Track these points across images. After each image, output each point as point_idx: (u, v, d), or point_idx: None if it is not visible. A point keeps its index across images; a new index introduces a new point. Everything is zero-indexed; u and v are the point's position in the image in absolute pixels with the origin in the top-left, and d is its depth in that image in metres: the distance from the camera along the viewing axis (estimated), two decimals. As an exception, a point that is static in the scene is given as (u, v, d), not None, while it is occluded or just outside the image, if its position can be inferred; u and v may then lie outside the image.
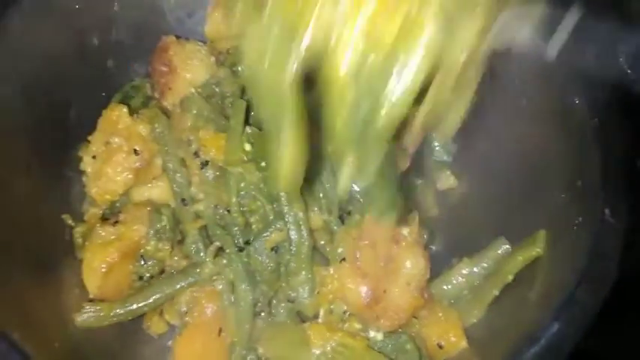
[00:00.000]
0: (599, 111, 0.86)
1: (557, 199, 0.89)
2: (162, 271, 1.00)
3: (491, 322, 0.92)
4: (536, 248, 0.90)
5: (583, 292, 0.70)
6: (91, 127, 1.06)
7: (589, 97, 0.88)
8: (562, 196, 0.88)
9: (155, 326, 1.00)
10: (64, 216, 1.04)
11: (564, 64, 0.95)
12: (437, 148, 1.14)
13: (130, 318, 0.94)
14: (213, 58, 1.13)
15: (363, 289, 0.90)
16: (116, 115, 1.02)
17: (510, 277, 0.93)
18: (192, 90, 1.07)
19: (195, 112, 1.03)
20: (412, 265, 0.91)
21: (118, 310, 0.94)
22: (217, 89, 1.10)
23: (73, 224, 1.03)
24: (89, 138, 1.04)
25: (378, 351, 0.87)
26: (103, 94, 1.15)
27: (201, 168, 0.99)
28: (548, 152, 0.95)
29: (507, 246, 0.96)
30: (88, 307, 0.94)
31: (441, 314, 0.94)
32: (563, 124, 0.93)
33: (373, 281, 0.90)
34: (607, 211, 0.76)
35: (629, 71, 0.94)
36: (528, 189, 0.98)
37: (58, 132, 1.07)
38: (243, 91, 1.12)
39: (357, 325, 0.92)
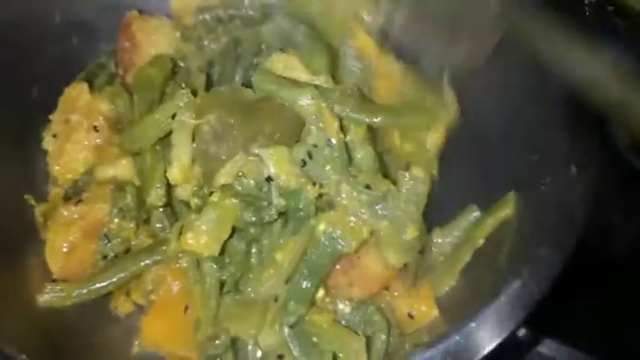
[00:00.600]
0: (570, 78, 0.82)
1: (528, 160, 0.86)
2: (127, 250, 0.97)
3: (463, 289, 0.90)
4: (505, 210, 0.88)
5: (546, 249, 0.67)
6: (55, 106, 1.04)
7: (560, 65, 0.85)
8: (532, 158, 0.85)
9: (122, 306, 0.98)
10: (26, 196, 1.02)
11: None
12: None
13: (93, 297, 0.92)
14: (178, 33, 1.10)
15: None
16: (76, 92, 1.00)
17: (481, 241, 0.91)
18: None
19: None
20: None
21: (80, 290, 0.92)
22: (182, 64, 1.07)
23: (35, 204, 1.01)
24: (50, 117, 1.02)
25: (345, 325, 0.84)
26: (69, 72, 1.13)
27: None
28: (517, 114, 0.92)
29: (478, 213, 0.93)
30: (50, 287, 0.92)
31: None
32: (533, 85, 0.90)
33: None
34: (574, 169, 0.73)
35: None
36: (499, 152, 0.95)
37: (21, 111, 1.05)
38: (210, 64, 1.11)
39: (326, 299, 0.90)
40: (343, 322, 0.85)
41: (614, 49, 0.88)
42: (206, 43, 1.10)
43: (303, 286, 0.84)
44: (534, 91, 0.91)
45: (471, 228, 0.93)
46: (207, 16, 1.15)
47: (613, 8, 1.06)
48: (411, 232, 0.83)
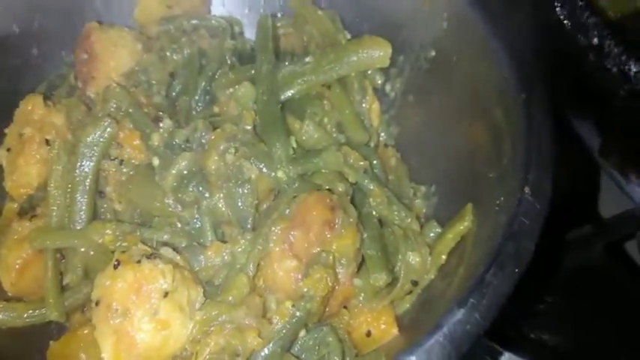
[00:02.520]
0: (526, 87, 0.81)
1: (486, 178, 0.84)
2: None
3: (423, 306, 0.88)
4: (464, 222, 0.87)
5: (493, 275, 0.65)
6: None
7: (518, 73, 0.84)
8: (489, 176, 0.84)
9: (77, 322, 0.95)
10: (-20, 211, 1.00)
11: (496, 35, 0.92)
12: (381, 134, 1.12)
13: (44, 321, 0.90)
14: (140, 45, 1.08)
15: (293, 272, 0.85)
16: (31, 106, 0.98)
17: (444, 258, 0.90)
18: (113, 81, 1.02)
19: (114, 105, 0.98)
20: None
21: (33, 312, 0.90)
22: (144, 77, 1.05)
23: (-12, 219, 0.99)
24: (5, 130, 1.00)
25: (296, 355, 0.82)
26: (28, 84, 1.11)
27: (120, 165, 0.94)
28: (478, 131, 0.91)
29: (438, 229, 0.92)
30: (1, 306, 0.90)
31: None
32: (492, 101, 0.89)
33: (304, 265, 0.86)
34: (527, 190, 0.72)
35: (565, 21, 0.90)
36: (461, 170, 0.94)
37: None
38: (172, 76, 1.09)
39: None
40: (297, 345, 0.83)
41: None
42: (169, 54, 1.08)
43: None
44: (493, 102, 0.91)
45: (433, 244, 0.92)
46: (171, 27, 1.13)
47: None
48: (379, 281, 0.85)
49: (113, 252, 0.88)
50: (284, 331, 0.80)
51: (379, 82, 1.09)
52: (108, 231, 0.87)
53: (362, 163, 0.96)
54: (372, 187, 0.92)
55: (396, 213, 0.92)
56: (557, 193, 0.77)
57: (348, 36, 1.11)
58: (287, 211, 0.88)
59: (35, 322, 0.91)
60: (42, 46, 1.13)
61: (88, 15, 1.16)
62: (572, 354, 1.01)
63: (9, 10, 1.07)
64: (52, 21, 1.13)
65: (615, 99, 0.80)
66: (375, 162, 1.01)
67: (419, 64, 1.10)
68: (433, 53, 1.08)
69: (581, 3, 0.83)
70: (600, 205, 1.22)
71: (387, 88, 1.16)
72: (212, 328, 0.79)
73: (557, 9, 0.85)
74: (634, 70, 0.77)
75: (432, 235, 0.93)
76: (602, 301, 1.07)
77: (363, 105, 1.06)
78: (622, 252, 1.27)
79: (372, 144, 1.05)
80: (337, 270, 0.85)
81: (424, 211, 1.02)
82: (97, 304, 0.79)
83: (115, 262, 0.79)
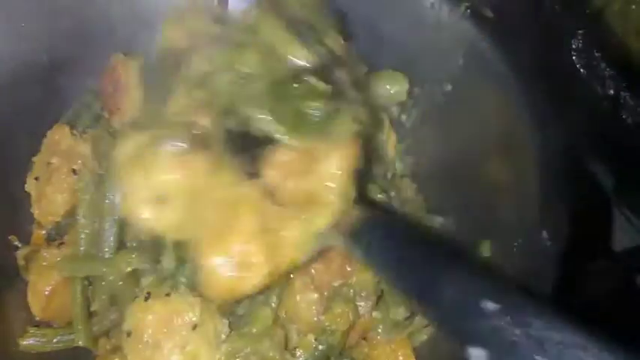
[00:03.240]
0: (541, 126, 0.84)
1: (503, 217, 0.87)
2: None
3: (441, 338, 0.90)
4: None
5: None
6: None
7: (532, 111, 0.87)
8: (507, 214, 0.86)
9: (102, 347, 0.98)
10: (10, 237, 1.02)
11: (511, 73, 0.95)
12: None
13: (74, 345, 0.93)
14: (165, 74, 1.11)
15: (315, 304, 0.88)
16: (58, 136, 1.01)
17: None
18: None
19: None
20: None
21: (62, 337, 0.93)
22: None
23: (19, 245, 1.02)
24: (33, 159, 1.03)
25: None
26: (54, 112, 1.13)
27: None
28: (494, 167, 0.93)
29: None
30: (32, 331, 0.93)
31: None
32: (507, 139, 0.92)
33: (325, 298, 0.89)
34: (545, 233, 0.74)
35: (582, 70, 0.93)
36: (477, 205, 0.96)
37: (7, 153, 1.06)
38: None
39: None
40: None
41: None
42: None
43: None
44: (509, 144, 0.94)
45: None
46: (192, 58, 1.16)
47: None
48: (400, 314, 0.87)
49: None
50: (307, 363, 0.83)
51: (395, 114, 1.12)
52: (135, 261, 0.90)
53: (380, 195, 0.99)
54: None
55: None
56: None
57: (365, 69, 1.14)
58: (309, 244, 0.91)
59: (63, 347, 0.94)
60: (67, 76, 1.15)
61: (115, 43, 1.19)
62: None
63: (38, 39, 1.10)
64: (79, 49, 1.15)
65: (630, 148, 0.83)
66: (392, 194, 1.04)
67: (435, 97, 1.14)
68: (449, 87, 1.11)
69: (597, 54, 0.86)
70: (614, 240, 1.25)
71: (403, 117, 1.19)
72: (238, 360, 0.82)
73: (574, 57, 0.88)
74: None
75: (448, 267, 0.96)
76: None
77: (381, 136, 1.09)
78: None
79: (388, 175, 1.08)
80: (357, 303, 0.89)
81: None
82: (128, 334, 0.82)
83: (146, 295, 0.83)
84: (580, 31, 0.90)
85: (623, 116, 0.82)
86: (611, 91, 0.83)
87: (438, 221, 1.06)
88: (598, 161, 0.92)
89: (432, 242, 0.72)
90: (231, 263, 0.72)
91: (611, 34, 0.89)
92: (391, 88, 1.06)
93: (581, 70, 0.88)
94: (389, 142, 1.10)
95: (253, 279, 0.73)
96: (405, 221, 0.97)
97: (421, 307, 0.63)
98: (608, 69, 0.84)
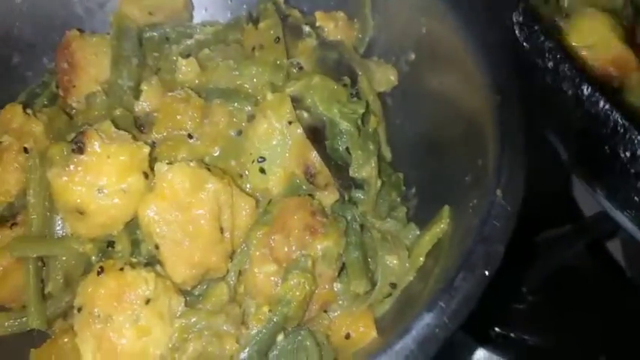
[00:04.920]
0: (499, 92, 0.83)
1: (462, 181, 0.86)
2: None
3: (402, 308, 0.89)
4: (440, 224, 0.88)
5: (462, 278, 0.67)
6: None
7: (493, 78, 0.86)
8: (465, 178, 0.85)
9: (59, 328, 0.95)
10: (-39, 220, 1.00)
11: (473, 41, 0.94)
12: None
13: (26, 329, 0.90)
14: (121, 51, 1.09)
15: (273, 276, 0.86)
16: (10, 114, 0.98)
17: (421, 260, 0.91)
18: (97, 87, 1.02)
19: (99, 112, 0.99)
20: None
21: (14, 321, 0.90)
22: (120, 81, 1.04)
23: (-31, 228, 0.99)
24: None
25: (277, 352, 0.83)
26: (10, 92, 1.11)
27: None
28: (455, 133, 0.92)
29: (416, 232, 0.93)
30: (-15, 316, 0.91)
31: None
32: (469, 105, 0.91)
33: (284, 269, 0.87)
34: (499, 192, 0.73)
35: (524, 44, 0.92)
36: (439, 173, 0.95)
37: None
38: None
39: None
40: (276, 349, 0.84)
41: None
42: (151, 62, 1.09)
43: None
44: (469, 104, 0.93)
45: (411, 247, 0.93)
46: (155, 34, 1.13)
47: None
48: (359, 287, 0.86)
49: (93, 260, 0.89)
50: (260, 335, 0.81)
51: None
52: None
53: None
54: (361, 197, 0.93)
55: (381, 221, 0.93)
56: (536, 194, 0.79)
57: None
58: (267, 216, 0.89)
59: (17, 331, 0.91)
60: (23, 54, 1.13)
61: (70, 22, 1.17)
62: (551, 353, 1.03)
63: (-9, 18, 1.08)
64: (33, 28, 1.14)
65: (574, 119, 0.82)
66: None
67: (399, 66, 1.12)
68: (413, 56, 1.10)
69: (536, 27, 0.84)
70: (581, 204, 1.24)
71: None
72: (191, 336, 0.80)
73: (516, 31, 0.87)
74: (586, 93, 0.79)
75: (410, 237, 0.94)
76: (583, 300, 1.09)
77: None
78: (603, 251, 1.29)
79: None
80: (319, 272, 0.87)
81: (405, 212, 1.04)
82: (79, 310, 0.80)
83: (99, 269, 0.80)
84: (521, 4, 0.89)
85: (564, 88, 0.81)
86: (551, 64, 0.82)
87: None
88: (552, 132, 0.91)
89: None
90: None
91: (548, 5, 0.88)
92: (383, 76, 1.05)
93: (524, 44, 0.87)
94: (380, 129, 1.07)
95: None
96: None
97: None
98: (547, 42, 0.83)
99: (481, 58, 0.92)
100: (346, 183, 0.93)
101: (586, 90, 0.79)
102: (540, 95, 0.89)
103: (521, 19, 0.88)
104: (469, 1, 1.00)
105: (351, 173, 0.91)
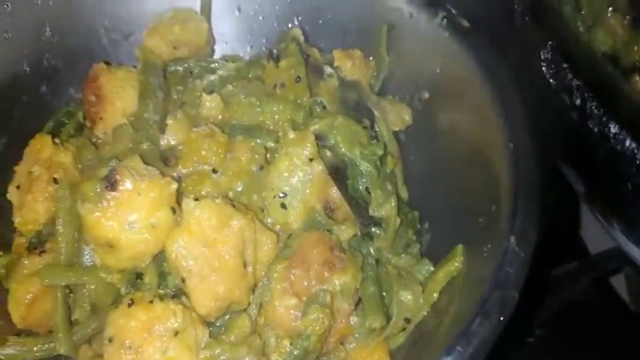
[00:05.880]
0: (514, 135, 0.87)
1: (476, 222, 0.90)
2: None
3: (415, 342, 0.93)
4: (455, 262, 0.92)
5: (479, 324, 0.71)
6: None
7: (506, 121, 0.90)
8: (479, 220, 0.89)
9: (83, 355, 0.99)
10: (-9, 246, 1.03)
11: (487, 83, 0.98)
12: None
13: (53, 355, 0.94)
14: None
15: (293, 309, 0.89)
16: (40, 144, 1.02)
17: (435, 296, 0.95)
18: (124, 120, 1.06)
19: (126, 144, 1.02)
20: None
21: (42, 345, 0.93)
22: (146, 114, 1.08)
23: (0, 254, 1.03)
24: (15, 168, 1.04)
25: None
26: (37, 121, 1.14)
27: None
28: (469, 174, 0.96)
29: (430, 267, 0.97)
30: (12, 340, 0.94)
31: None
32: (482, 147, 0.95)
33: (304, 303, 0.91)
34: (512, 239, 0.77)
35: (551, 80, 0.96)
36: (454, 211, 0.99)
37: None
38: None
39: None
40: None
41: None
42: (175, 96, 1.13)
43: None
44: (484, 149, 0.97)
45: (425, 282, 0.97)
46: (179, 68, 1.16)
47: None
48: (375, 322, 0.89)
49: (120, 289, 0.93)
50: (282, 368, 0.84)
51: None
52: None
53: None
54: (379, 232, 0.97)
55: (396, 257, 0.97)
56: (544, 230, 0.82)
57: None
58: (287, 250, 0.93)
59: (45, 356, 0.95)
60: (51, 84, 1.18)
61: (96, 52, 1.21)
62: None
63: (21, 49, 1.12)
64: (61, 59, 1.18)
65: (597, 156, 0.86)
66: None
67: (413, 104, 1.16)
68: (427, 95, 1.14)
69: (565, 65, 0.88)
70: (587, 241, 1.29)
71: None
72: (215, 367, 0.83)
73: (543, 68, 0.91)
74: (613, 131, 0.83)
75: (423, 272, 0.98)
76: (590, 334, 1.12)
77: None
78: (608, 286, 1.33)
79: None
80: (337, 307, 0.90)
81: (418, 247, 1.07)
82: (110, 340, 0.83)
83: (129, 302, 0.84)
84: (549, 43, 0.93)
85: (590, 125, 0.85)
86: (578, 101, 0.86)
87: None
88: (569, 167, 0.95)
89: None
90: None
91: (578, 44, 0.92)
92: (398, 116, 1.09)
93: (551, 81, 0.91)
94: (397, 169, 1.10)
95: None
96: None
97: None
98: (575, 79, 0.87)
99: (495, 98, 0.96)
100: (367, 221, 0.97)
101: (613, 128, 0.83)
102: (561, 130, 0.92)
103: (549, 56, 0.92)
104: (484, 41, 1.05)
105: (370, 212, 0.96)
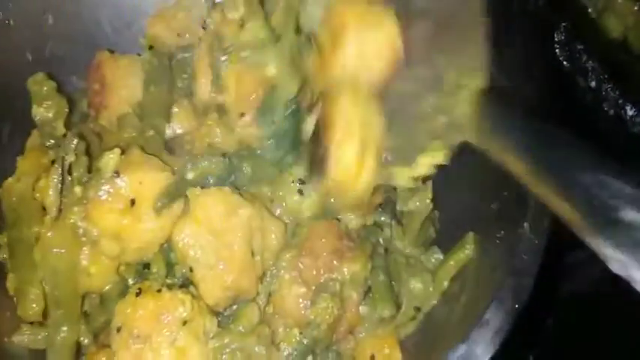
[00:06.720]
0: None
1: (487, 209, 0.88)
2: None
3: (426, 331, 0.92)
4: (465, 250, 0.91)
5: (493, 312, 0.70)
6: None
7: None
8: (491, 207, 0.87)
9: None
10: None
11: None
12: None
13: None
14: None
15: (302, 298, 0.89)
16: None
17: (445, 284, 0.94)
18: (128, 108, 1.04)
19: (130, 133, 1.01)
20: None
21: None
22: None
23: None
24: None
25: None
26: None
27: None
28: (482, 161, 0.94)
29: (440, 255, 0.96)
30: (26, 328, 0.93)
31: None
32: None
33: (313, 292, 0.90)
34: (526, 226, 0.75)
35: (564, 63, 0.93)
36: (464, 198, 0.98)
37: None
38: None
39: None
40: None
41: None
42: (180, 84, 1.11)
43: None
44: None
45: (435, 271, 0.96)
46: (186, 56, 1.14)
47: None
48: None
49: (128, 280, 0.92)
50: (291, 357, 0.84)
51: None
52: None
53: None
54: (389, 221, 0.96)
55: (407, 247, 0.96)
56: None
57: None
58: (296, 239, 0.92)
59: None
60: (54, 73, 1.16)
61: (99, 40, 1.20)
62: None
63: (23, 38, 1.10)
64: (63, 47, 1.16)
65: (613, 139, 0.84)
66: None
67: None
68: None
69: (580, 47, 0.86)
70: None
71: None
72: (224, 356, 0.83)
73: (557, 50, 0.89)
74: (630, 113, 0.81)
75: (432, 260, 0.97)
76: (600, 324, 1.11)
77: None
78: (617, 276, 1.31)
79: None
80: (346, 295, 0.90)
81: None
82: (118, 330, 0.83)
83: (137, 291, 0.83)
84: (563, 24, 0.91)
85: (605, 108, 0.83)
86: (593, 83, 0.84)
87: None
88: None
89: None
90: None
91: (594, 27, 0.90)
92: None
93: (564, 63, 0.89)
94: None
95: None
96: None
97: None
98: (590, 61, 0.85)
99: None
100: (392, 215, 0.97)
101: (629, 110, 0.81)
102: (574, 113, 0.90)
103: (563, 37, 0.90)
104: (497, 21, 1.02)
105: (398, 207, 0.95)
